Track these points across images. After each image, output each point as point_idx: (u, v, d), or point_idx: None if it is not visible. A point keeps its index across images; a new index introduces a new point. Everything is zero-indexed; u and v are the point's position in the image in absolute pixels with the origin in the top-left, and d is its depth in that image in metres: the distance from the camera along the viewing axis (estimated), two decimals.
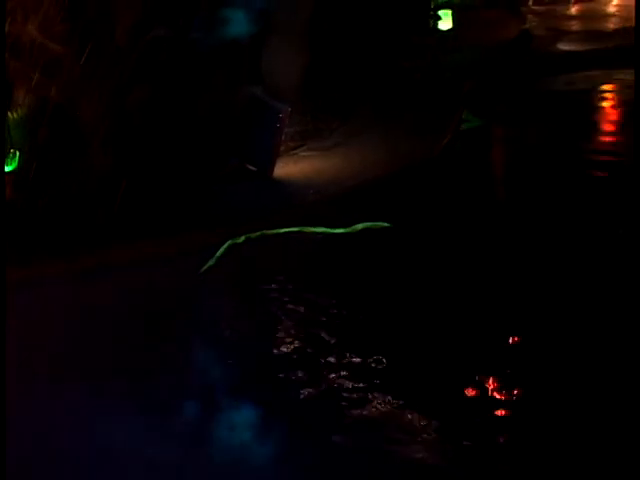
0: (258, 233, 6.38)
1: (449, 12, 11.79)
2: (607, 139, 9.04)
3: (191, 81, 7.36)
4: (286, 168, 7.70)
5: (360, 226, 6.47)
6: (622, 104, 10.07)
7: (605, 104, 10.45)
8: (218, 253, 6.08)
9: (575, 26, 14.08)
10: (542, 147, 8.38)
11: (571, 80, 10.78)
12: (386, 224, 6.48)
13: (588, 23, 14.11)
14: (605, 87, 10.86)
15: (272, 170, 7.64)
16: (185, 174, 7.11)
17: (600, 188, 7.19)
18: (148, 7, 7.19)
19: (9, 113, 6.65)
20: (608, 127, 9.63)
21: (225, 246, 6.18)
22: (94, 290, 5.45)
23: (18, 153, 6.62)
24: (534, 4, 15.04)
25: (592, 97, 10.49)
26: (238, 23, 7.45)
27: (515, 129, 9.31)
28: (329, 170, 7.76)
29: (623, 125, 9.19)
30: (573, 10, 15.30)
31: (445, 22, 11.70)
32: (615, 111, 10.16)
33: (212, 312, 5.19)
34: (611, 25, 13.94)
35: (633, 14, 12.85)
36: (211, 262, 5.98)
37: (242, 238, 6.28)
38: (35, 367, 4.36)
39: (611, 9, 15.17)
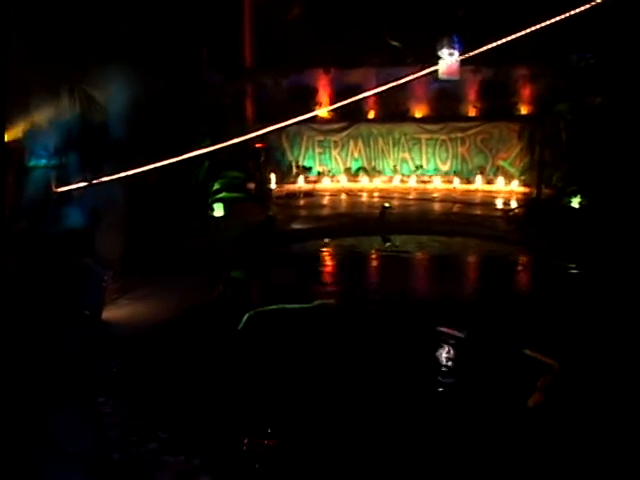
0: (259, 309, 9.94)
1: (221, 204, 15.06)
2: (327, 277, 12.75)
3: (42, 257, 9.62)
4: (111, 312, 9.89)
5: (317, 302, 10.24)
6: (337, 258, 14.02)
7: (325, 259, 14.00)
8: (243, 320, 9.55)
9: (303, 212, 17.13)
10: (283, 284, 11.67)
11: (301, 246, 14.25)
12: (332, 301, 10.38)
13: (311, 211, 17.32)
14: (323, 249, 14.40)
15: (101, 314, 9.68)
16: (36, 318, 9.00)
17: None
18: (14, 208, 9.70)
19: None
20: (327, 272, 13.24)
21: (245, 317, 9.60)
22: None
23: None
24: (276, 198, 18.13)
25: (316, 256, 13.91)
26: (76, 217, 10.06)
27: (266, 275, 12.51)
28: (140, 312, 10.03)
29: (339, 270, 13.09)
30: (302, 202, 18.58)
31: (218, 211, 15.04)
32: (332, 262, 13.86)
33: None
34: (325, 212, 17.33)
35: (340, 204, 17.64)
36: (241, 325, 9.43)
37: (252, 312, 9.75)
38: None
39: (325, 201, 18.76)
